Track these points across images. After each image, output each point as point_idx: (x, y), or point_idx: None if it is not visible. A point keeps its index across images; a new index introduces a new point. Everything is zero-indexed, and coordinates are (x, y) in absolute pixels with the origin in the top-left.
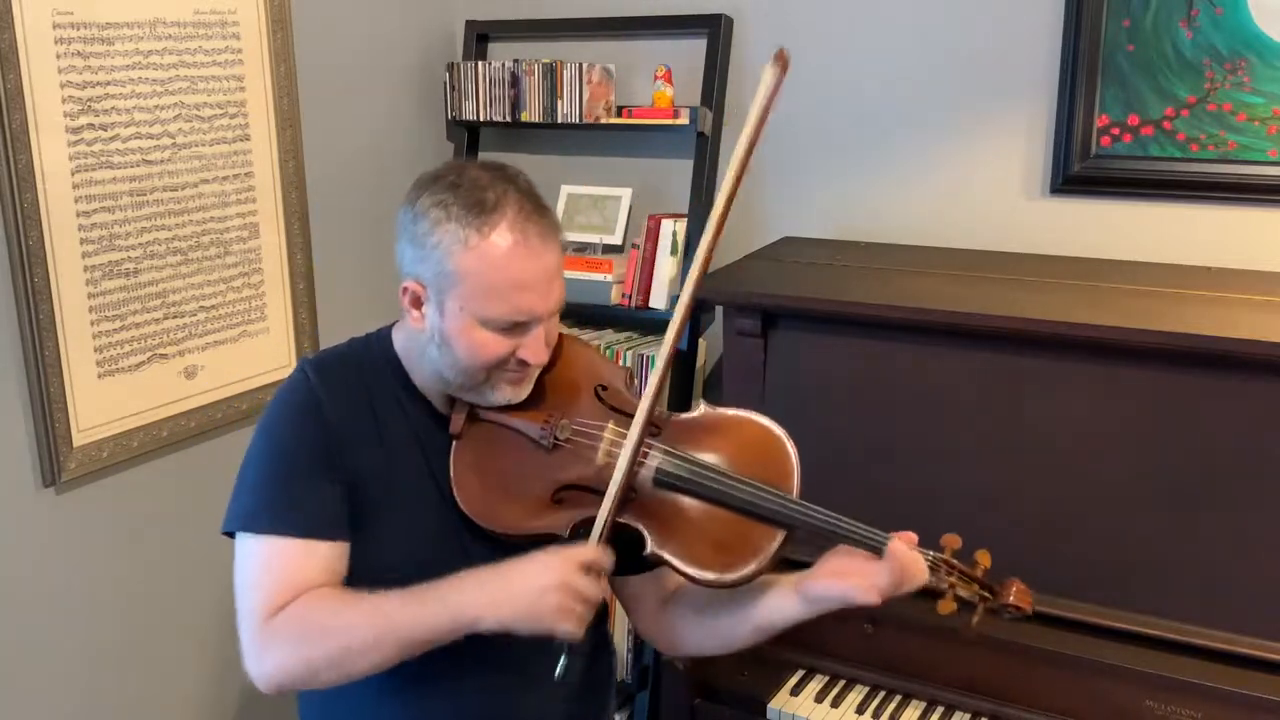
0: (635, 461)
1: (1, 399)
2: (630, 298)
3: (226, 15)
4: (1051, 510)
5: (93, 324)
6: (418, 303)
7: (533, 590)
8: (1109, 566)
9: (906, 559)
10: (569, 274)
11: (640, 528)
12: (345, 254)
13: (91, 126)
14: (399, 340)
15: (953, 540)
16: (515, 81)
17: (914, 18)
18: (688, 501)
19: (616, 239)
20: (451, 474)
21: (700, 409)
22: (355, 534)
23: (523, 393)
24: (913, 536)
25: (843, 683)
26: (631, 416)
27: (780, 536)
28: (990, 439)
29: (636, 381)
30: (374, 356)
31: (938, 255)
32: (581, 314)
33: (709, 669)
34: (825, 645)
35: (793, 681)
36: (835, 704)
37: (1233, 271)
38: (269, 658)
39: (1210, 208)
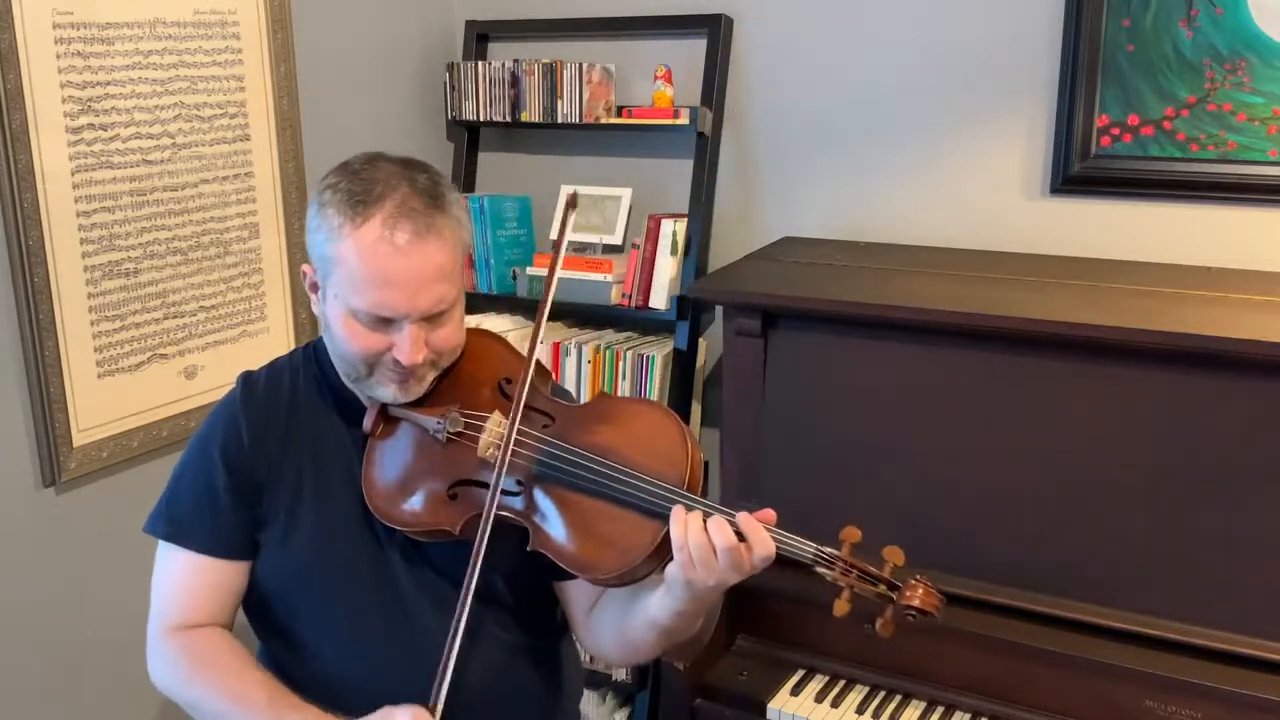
0: (514, 451)
1: (1, 399)
2: (630, 298)
3: (226, 15)
4: (1051, 510)
5: (93, 324)
6: (314, 287)
7: None
8: (1108, 566)
9: (677, 523)
10: (569, 274)
11: (523, 522)
12: None
13: (91, 126)
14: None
15: (852, 534)
16: (515, 81)
17: (914, 18)
18: (572, 494)
19: (616, 239)
20: (362, 471)
21: (596, 397)
22: (276, 537)
23: (410, 392)
24: (770, 514)
25: (843, 683)
26: (527, 408)
27: (661, 528)
28: (990, 439)
29: (548, 373)
30: (308, 363)
31: (938, 255)
32: (581, 314)
33: (709, 669)
34: (825, 645)
35: (793, 681)
36: (835, 704)
37: (1233, 271)
38: (154, 665)
39: (1210, 208)
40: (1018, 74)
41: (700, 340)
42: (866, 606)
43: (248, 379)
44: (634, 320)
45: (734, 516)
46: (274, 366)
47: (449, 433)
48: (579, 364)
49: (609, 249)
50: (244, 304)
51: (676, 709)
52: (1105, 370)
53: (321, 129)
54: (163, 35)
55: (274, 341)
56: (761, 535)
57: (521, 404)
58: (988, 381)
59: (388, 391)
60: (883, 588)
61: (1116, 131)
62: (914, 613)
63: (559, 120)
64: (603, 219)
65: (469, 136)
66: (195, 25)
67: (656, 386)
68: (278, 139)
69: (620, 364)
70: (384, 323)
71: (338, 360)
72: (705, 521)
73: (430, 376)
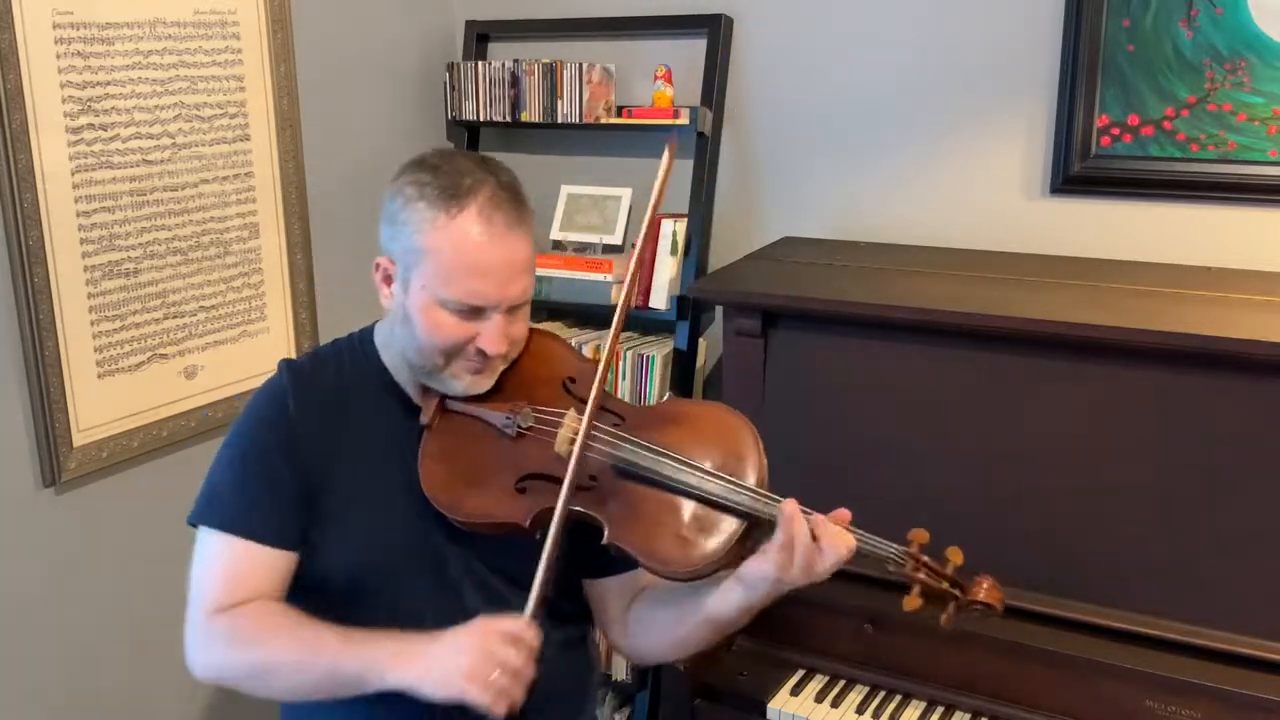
0: (587, 447)
1: (1, 399)
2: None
3: (226, 15)
4: (1051, 510)
5: (93, 324)
6: (388, 279)
7: (448, 652)
8: (1109, 566)
9: (790, 519)
10: (569, 274)
11: (598, 516)
12: (345, 254)
13: (91, 126)
14: (380, 335)
15: (920, 535)
16: (515, 81)
17: (914, 17)
18: (647, 490)
19: (616, 239)
20: (419, 463)
21: (666, 399)
22: (329, 529)
23: (482, 384)
24: (845, 514)
25: (843, 683)
26: (598, 408)
27: (740, 526)
28: (990, 439)
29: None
30: (355, 354)
31: (938, 255)
32: (581, 314)
33: (709, 669)
34: (825, 645)
35: (793, 681)
36: (835, 704)
37: (1233, 271)
38: (203, 653)
39: (1210, 208)
40: (1018, 74)
41: (700, 340)
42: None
43: (293, 366)
44: (634, 320)
45: (812, 515)
46: (317, 355)
47: (520, 428)
48: None
49: (609, 249)
50: (244, 304)
51: (676, 709)
52: (1105, 370)
53: (321, 129)
54: (163, 35)
55: (274, 341)
56: (846, 536)
57: (597, 400)
58: (987, 381)
59: (461, 383)
60: (946, 585)
61: (1116, 131)
62: (980, 607)
63: (559, 120)
64: (603, 219)
65: (469, 136)
66: (195, 25)
67: (656, 386)
68: (278, 139)
69: (620, 364)
70: (472, 313)
71: (414, 352)
72: (813, 523)
73: (500, 369)
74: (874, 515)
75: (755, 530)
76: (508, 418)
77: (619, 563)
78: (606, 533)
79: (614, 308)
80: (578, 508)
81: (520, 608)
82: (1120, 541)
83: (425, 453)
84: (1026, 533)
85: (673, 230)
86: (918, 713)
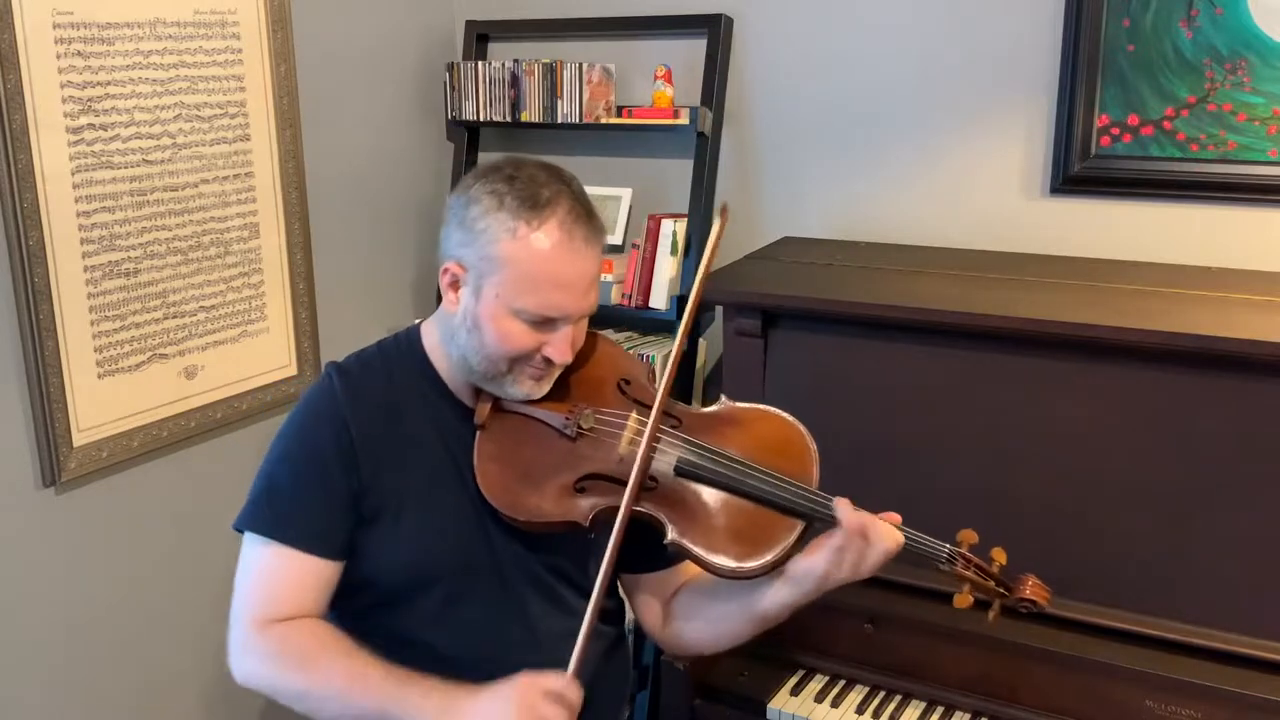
0: (654, 449)
1: (1, 399)
2: (630, 297)
3: (226, 15)
4: (1051, 510)
5: (93, 324)
6: (455, 285)
7: (493, 708)
8: (1109, 566)
9: (850, 516)
10: None
11: (661, 516)
12: (345, 254)
13: (91, 126)
14: (428, 337)
15: (969, 535)
16: (515, 81)
17: (914, 18)
18: (708, 491)
19: (616, 239)
20: (475, 464)
21: (720, 403)
22: (383, 532)
23: (542, 389)
24: (896, 517)
25: (843, 683)
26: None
27: (799, 528)
28: (990, 439)
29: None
30: (403, 356)
31: (938, 255)
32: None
33: (709, 669)
34: (825, 645)
35: (793, 681)
36: (835, 704)
37: (1233, 271)
38: (247, 662)
39: (1210, 208)
40: (1018, 74)
41: (700, 340)
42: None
43: (343, 370)
44: (634, 320)
45: (862, 514)
46: (363, 357)
47: (580, 429)
48: None
49: (609, 249)
50: (244, 304)
51: (676, 709)
52: (1105, 370)
53: (321, 129)
54: (163, 35)
55: (274, 341)
56: (895, 533)
57: (661, 403)
58: (987, 381)
59: (522, 389)
60: (993, 583)
61: (1116, 131)
62: (1028, 604)
63: (559, 120)
64: (603, 219)
65: (469, 136)
66: (195, 25)
67: None
68: (278, 139)
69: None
70: (545, 323)
71: (480, 358)
72: (869, 522)
73: (556, 374)
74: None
75: (809, 531)
76: (567, 419)
77: (661, 560)
78: (670, 533)
79: (614, 307)
80: (640, 508)
81: (575, 608)
82: (1120, 541)
83: (481, 453)
84: (1026, 532)
85: (673, 230)
86: (918, 713)
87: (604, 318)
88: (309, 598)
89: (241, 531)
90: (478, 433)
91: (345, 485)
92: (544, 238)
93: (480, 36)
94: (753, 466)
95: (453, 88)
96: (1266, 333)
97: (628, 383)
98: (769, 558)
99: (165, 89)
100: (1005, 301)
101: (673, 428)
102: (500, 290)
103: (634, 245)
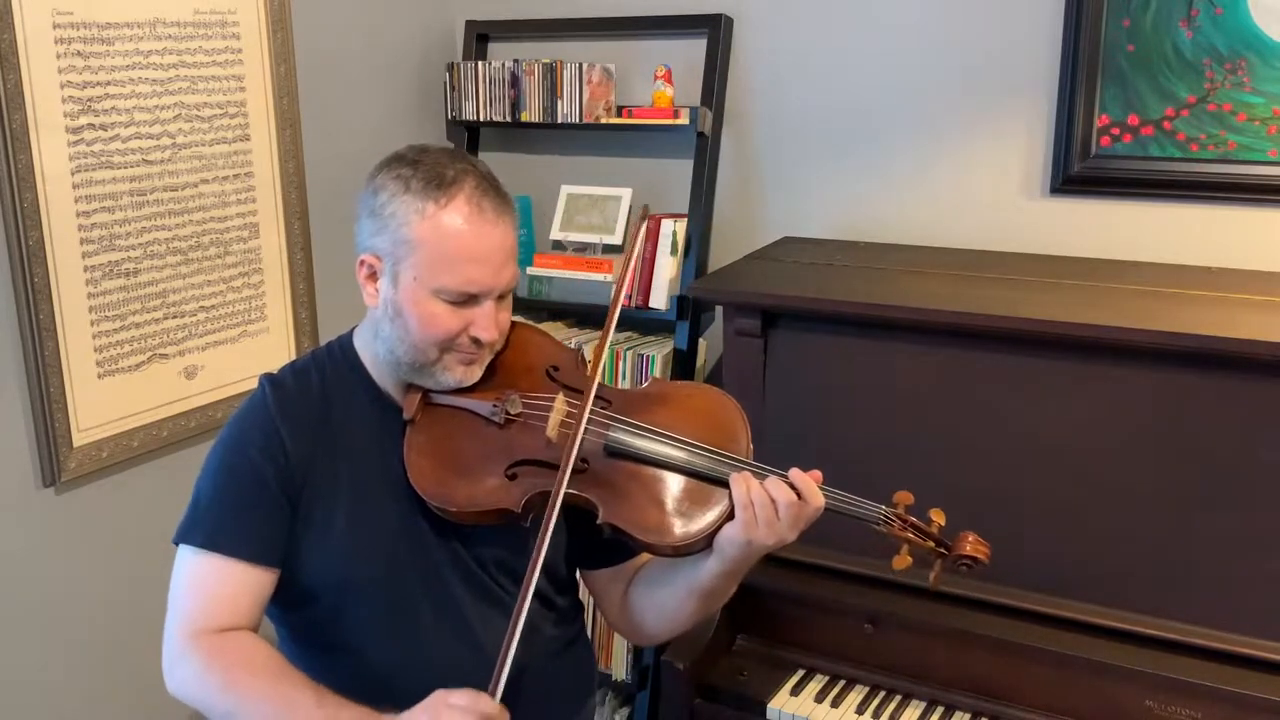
0: (586, 429)
1: (1, 399)
2: (630, 297)
3: (226, 15)
4: (1051, 509)
5: (93, 324)
6: (373, 276)
7: None
8: (1109, 566)
9: (738, 489)
10: (569, 274)
11: (592, 498)
12: (345, 254)
13: (91, 126)
14: (360, 341)
15: (905, 496)
16: (515, 81)
17: (914, 18)
18: (638, 469)
19: (616, 239)
20: (405, 458)
21: (649, 382)
22: (316, 538)
23: (474, 375)
24: (817, 474)
25: (843, 683)
26: (581, 393)
27: (728, 498)
28: (990, 438)
29: (586, 364)
30: (335, 361)
31: (938, 255)
32: (581, 314)
33: (709, 669)
34: (825, 645)
35: (793, 681)
36: (835, 704)
37: (1233, 271)
38: (177, 672)
39: (1210, 208)
40: (1018, 74)
41: (700, 340)
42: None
43: (275, 380)
44: (634, 320)
45: (787, 475)
46: (297, 366)
47: (508, 414)
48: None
49: (609, 249)
50: (244, 304)
51: (676, 709)
52: (1105, 370)
53: (321, 129)
54: (163, 35)
55: (274, 341)
56: (813, 489)
57: (596, 384)
58: (987, 381)
59: (453, 376)
60: (932, 544)
61: (1116, 131)
62: (968, 561)
63: (559, 120)
64: (603, 219)
65: (469, 136)
66: (195, 25)
67: None
68: (278, 139)
69: (620, 364)
70: (466, 301)
71: (406, 347)
72: (764, 482)
73: (488, 359)
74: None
75: None
76: (494, 405)
77: (617, 553)
78: (601, 513)
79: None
80: (571, 490)
81: (508, 603)
82: (1120, 541)
83: (411, 447)
84: (1027, 532)
85: (673, 230)
86: (918, 713)
87: (604, 318)
88: (241, 607)
89: (177, 545)
90: (407, 427)
91: (278, 493)
92: (453, 213)
93: (480, 36)
94: (681, 440)
95: (453, 88)
96: (1266, 333)
97: (556, 369)
98: (702, 530)
99: (165, 89)
100: (1005, 301)
101: (602, 408)
102: (417, 272)
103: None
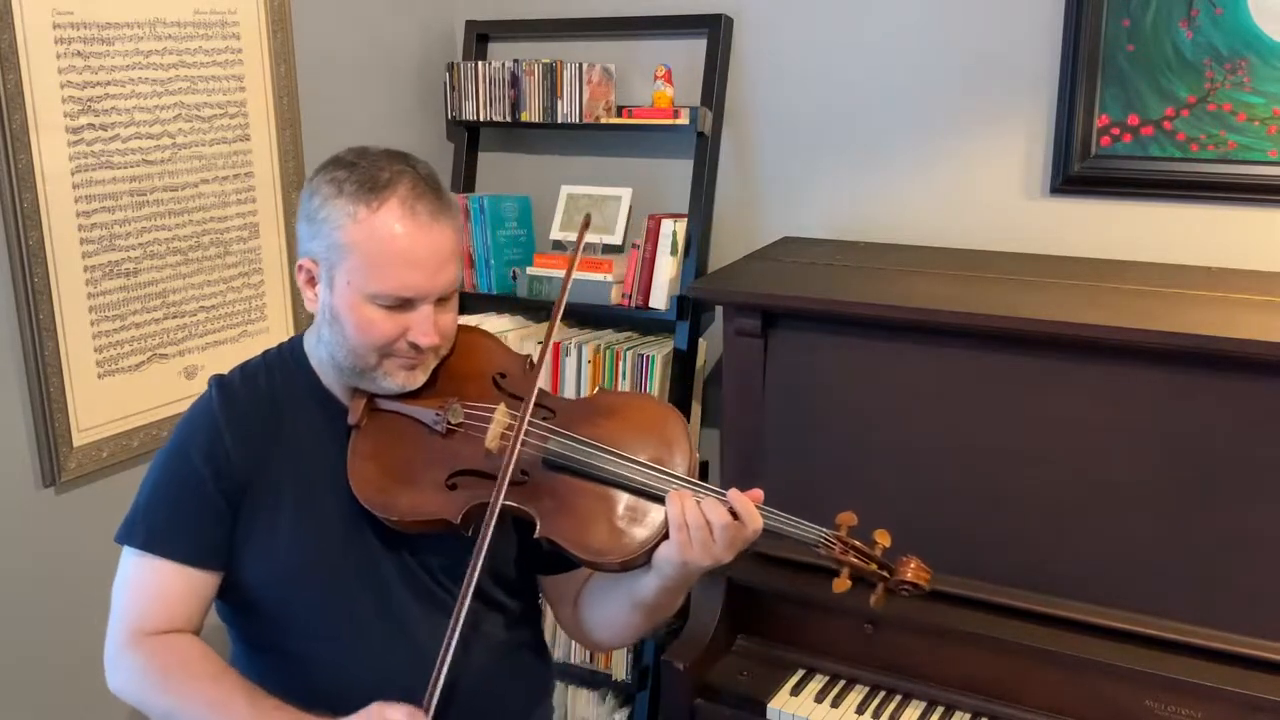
0: (522, 441)
1: (1, 399)
2: (630, 298)
3: (226, 15)
4: (1051, 509)
5: (93, 324)
6: (312, 281)
7: None
8: (1108, 566)
9: (674, 508)
10: None
11: (530, 510)
12: None
13: (91, 126)
14: (309, 343)
15: (848, 518)
16: (515, 81)
17: (914, 18)
18: (579, 483)
19: (616, 239)
20: (349, 463)
21: (595, 392)
22: (261, 542)
23: (416, 380)
24: (758, 494)
25: (843, 683)
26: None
27: (665, 514)
28: (990, 438)
29: (537, 369)
30: (285, 363)
31: (938, 255)
32: (581, 314)
33: (709, 669)
34: (825, 645)
35: (793, 681)
36: (835, 704)
37: (1233, 271)
38: (118, 675)
39: (1210, 208)
40: (1018, 74)
41: (700, 340)
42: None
43: (223, 383)
44: (634, 320)
45: (725, 495)
46: (247, 368)
47: (449, 423)
48: (579, 364)
49: (609, 249)
50: (244, 304)
51: (676, 709)
52: (1105, 370)
53: (321, 129)
54: (163, 35)
55: (274, 341)
56: (752, 511)
57: (534, 395)
58: (988, 381)
59: (395, 381)
60: (874, 566)
61: (1116, 131)
62: (908, 587)
63: (559, 120)
64: (603, 219)
65: (469, 136)
66: (195, 25)
67: (656, 387)
68: (278, 139)
69: (620, 364)
70: (402, 305)
71: (345, 352)
72: (699, 501)
73: (433, 364)
74: (873, 514)
75: None
76: (437, 414)
77: (565, 562)
78: (538, 527)
79: (614, 308)
80: (510, 503)
81: (452, 607)
82: (1120, 541)
83: (355, 452)
84: (1027, 532)
85: (673, 230)
86: (918, 713)
87: (604, 318)
88: (180, 609)
89: (120, 544)
90: (352, 433)
91: (217, 496)
92: (386, 216)
93: (480, 36)
94: (621, 455)
95: (453, 88)
96: (1266, 333)
97: (503, 375)
98: (639, 547)
99: (165, 89)
100: (1005, 301)
101: (544, 419)
102: (351, 277)
103: (634, 245)
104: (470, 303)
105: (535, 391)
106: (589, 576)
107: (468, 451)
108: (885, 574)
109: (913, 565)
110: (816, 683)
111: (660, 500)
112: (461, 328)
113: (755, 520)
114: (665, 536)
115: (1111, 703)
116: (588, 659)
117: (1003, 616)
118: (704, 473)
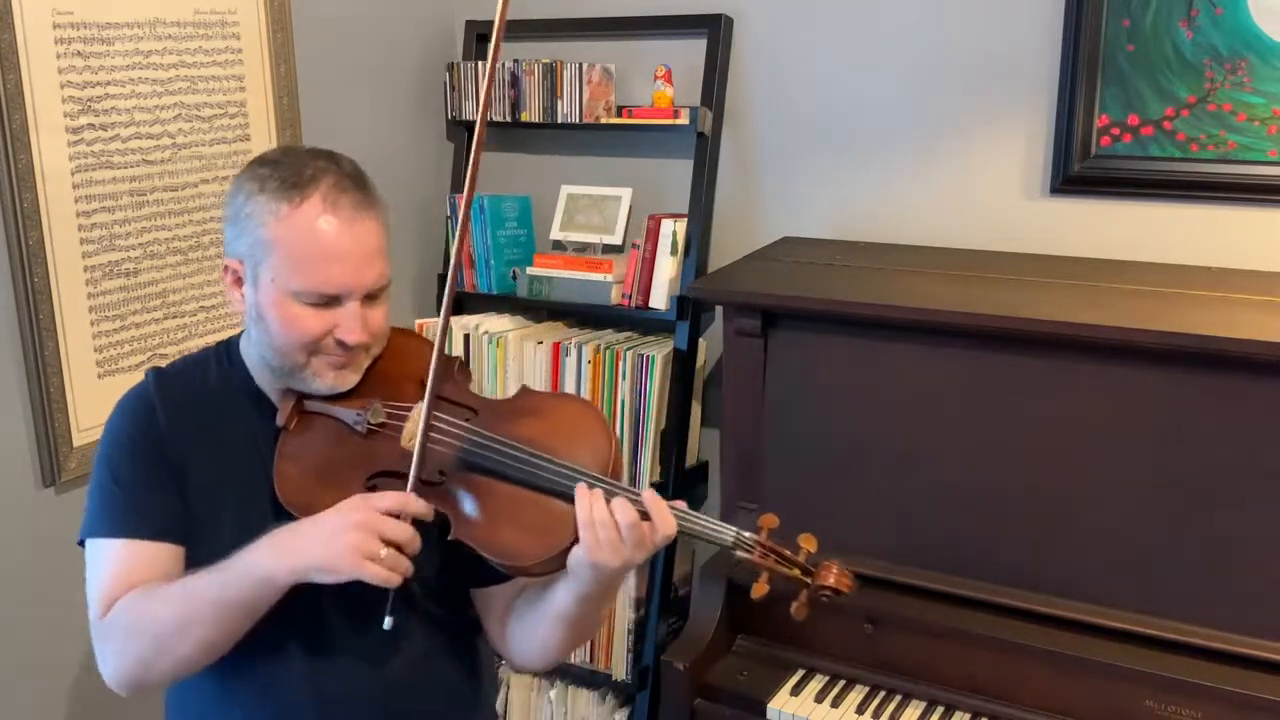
0: (435, 441)
1: (1, 399)
2: (630, 298)
3: (226, 15)
4: (1051, 509)
5: (93, 324)
6: (238, 281)
7: (324, 535)
8: (1109, 566)
9: (582, 509)
10: (569, 274)
11: (444, 512)
12: None
13: (91, 126)
14: (243, 345)
15: (770, 520)
16: (515, 81)
17: (914, 17)
18: (495, 484)
19: (616, 239)
20: (275, 465)
21: (518, 392)
22: (191, 539)
23: (347, 380)
24: (680, 503)
25: (843, 683)
26: (452, 403)
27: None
28: (990, 439)
29: (469, 371)
30: (221, 361)
31: (938, 255)
32: (581, 314)
33: (709, 669)
34: (825, 645)
35: (793, 681)
36: (835, 704)
37: (1233, 271)
38: (108, 660)
39: (1210, 208)
40: (1018, 74)
41: (700, 340)
42: (786, 591)
43: (160, 371)
44: (634, 320)
45: (639, 495)
46: (187, 360)
47: (370, 424)
48: (579, 364)
49: (609, 249)
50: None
51: (676, 709)
52: (1105, 370)
53: (321, 129)
54: (163, 35)
55: None
56: (663, 512)
57: (433, 388)
58: (988, 381)
59: (324, 381)
60: (797, 571)
61: (1116, 131)
62: (828, 593)
63: (559, 120)
64: (603, 219)
65: (469, 137)
66: (195, 25)
67: (656, 387)
68: (278, 139)
69: (620, 364)
70: (327, 303)
71: (273, 352)
72: (609, 500)
73: (364, 364)
74: (873, 514)
75: None
76: (358, 414)
77: (489, 573)
78: (452, 529)
79: (614, 308)
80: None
81: (380, 612)
82: (1120, 541)
83: (282, 454)
84: (1026, 532)
85: (673, 230)
86: (918, 713)
87: (604, 318)
88: (147, 581)
89: (83, 546)
90: (281, 434)
91: (162, 467)
92: (307, 212)
93: (480, 36)
94: (540, 456)
95: (453, 88)
96: (1266, 333)
97: None
98: (549, 549)
99: (165, 89)
100: (1005, 301)
101: (465, 419)
102: (275, 275)
103: (634, 245)
104: (470, 303)
105: (431, 384)
106: (518, 592)
107: (387, 452)
108: (807, 579)
109: (834, 570)
110: (816, 683)
111: (573, 501)
112: (395, 330)
113: (667, 521)
114: (576, 540)
115: (1111, 702)
116: (588, 659)
117: (1003, 616)
118: (704, 473)
